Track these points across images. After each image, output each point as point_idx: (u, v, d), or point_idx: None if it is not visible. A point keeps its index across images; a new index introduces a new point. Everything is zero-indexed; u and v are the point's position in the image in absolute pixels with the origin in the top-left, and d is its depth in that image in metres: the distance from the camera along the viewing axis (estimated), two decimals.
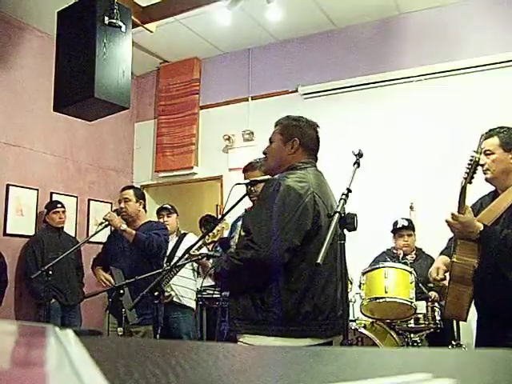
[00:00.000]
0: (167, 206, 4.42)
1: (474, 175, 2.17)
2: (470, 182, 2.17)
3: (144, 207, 3.75)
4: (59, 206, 4.82)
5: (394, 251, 4.03)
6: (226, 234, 3.61)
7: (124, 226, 3.45)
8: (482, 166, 2.26)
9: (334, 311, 1.99)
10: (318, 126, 2.25)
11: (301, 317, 1.90)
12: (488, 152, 2.31)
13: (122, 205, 3.61)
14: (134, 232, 3.44)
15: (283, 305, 1.90)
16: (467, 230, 2.17)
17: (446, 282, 2.36)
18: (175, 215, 4.42)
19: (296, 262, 1.93)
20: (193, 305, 4.24)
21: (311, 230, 1.95)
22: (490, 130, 2.36)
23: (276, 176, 2.08)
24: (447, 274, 2.33)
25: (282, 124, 2.23)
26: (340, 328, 2.01)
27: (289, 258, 1.91)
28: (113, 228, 3.61)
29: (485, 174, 2.32)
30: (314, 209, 1.97)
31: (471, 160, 2.16)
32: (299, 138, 2.16)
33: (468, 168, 2.16)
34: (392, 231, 4.10)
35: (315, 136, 2.22)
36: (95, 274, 3.72)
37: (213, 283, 4.69)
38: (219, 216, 2.54)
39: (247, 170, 2.98)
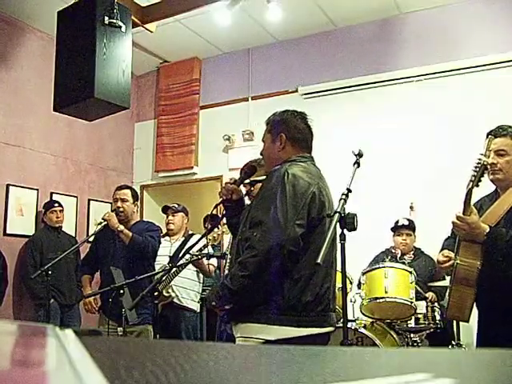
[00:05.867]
0: (175, 204, 4.36)
1: (482, 178, 2.15)
2: (477, 185, 2.15)
3: (137, 208, 3.76)
4: (56, 205, 4.82)
5: (393, 250, 4.03)
6: (226, 238, 3.59)
7: (121, 227, 3.43)
8: (492, 164, 2.22)
9: (329, 304, 2.01)
10: (306, 115, 2.23)
11: (301, 306, 1.91)
12: (502, 152, 2.27)
13: (119, 204, 3.59)
14: (130, 234, 3.42)
15: (286, 293, 1.91)
16: (474, 231, 2.15)
17: (447, 277, 2.34)
18: (181, 214, 4.36)
19: (296, 250, 1.92)
20: (195, 306, 4.19)
21: (316, 219, 1.96)
22: (499, 128, 2.32)
23: (277, 167, 2.08)
24: (452, 255, 2.31)
25: (270, 122, 2.24)
26: (333, 320, 2.03)
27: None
28: (100, 228, 3.51)
29: (494, 174, 2.28)
30: (320, 199, 1.99)
31: (479, 163, 2.13)
32: (285, 132, 2.16)
33: (475, 171, 2.13)
34: (392, 229, 4.11)
35: (303, 126, 2.20)
36: (82, 285, 3.72)
37: (213, 283, 4.68)
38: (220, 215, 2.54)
39: (251, 173, 2.87)
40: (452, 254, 2.33)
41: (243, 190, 2.52)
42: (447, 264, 2.32)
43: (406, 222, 4.05)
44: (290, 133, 2.16)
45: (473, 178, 2.14)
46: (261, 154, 2.30)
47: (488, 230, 2.15)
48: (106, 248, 3.56)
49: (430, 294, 3.61)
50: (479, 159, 2.14)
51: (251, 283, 1.89)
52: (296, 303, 1.90)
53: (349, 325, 3.20)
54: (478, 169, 2.13)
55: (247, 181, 2.46)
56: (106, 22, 3.32)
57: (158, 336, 3.13)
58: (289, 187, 1.93)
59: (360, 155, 2.14)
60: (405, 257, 3.99)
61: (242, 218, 2.17)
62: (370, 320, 3.57)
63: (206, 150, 5.86)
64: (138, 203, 3.88)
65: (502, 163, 2.27)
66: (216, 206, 2.37)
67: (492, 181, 2.32)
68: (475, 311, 2.33)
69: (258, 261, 1.86)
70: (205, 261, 3.82)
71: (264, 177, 2.30)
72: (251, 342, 1.89)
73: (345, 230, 1.89)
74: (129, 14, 3.56)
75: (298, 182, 1.96)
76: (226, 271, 3.29)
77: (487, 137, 2.26)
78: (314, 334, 1.91)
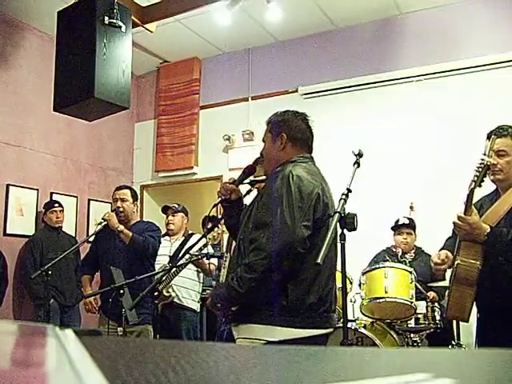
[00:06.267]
0: (175, 205, 4.37)
1: (484, 178, 2.14)
2: (480, 186, 2.15)
3: (137, 208, 3.76)
4: (56, 205, 4.82)
5: (393, 249, 4.04)
6: (226, 237, 3.58)
7: (121, 227, 3.43)
8: (492, 165, 2.22)
9: (332, 305, 2.01)
10: (307, 116, 2.24)
11: (305, 307, 1.91)
12: (502, 153, 2.27)
13: (119, 204, 3.59)
14: (130, 233, 3.42)
15: (290, 294, 1.90)
16: (475, 231, 2.15)
17: (447, 278, 2.34)
18: (181, 214, 4.37)
19: (304, 251, 1.92)
20: (195, 306, 4.20)
21: (321, 220, 1.96)
22: (499, 129, 2.31)
23: (280, 168, 2.07)
24: (450, 255, 2.31)
25: (271, 122, 2.24)
26: (334, 321, 2.03)
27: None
28: (100, 228, 3.51)
29: (495, 174, 2.28)
30: (323, 200, 1.99)
31: (481, 163, 2.12)
32: (286, 132, 2.16)
33: (478, 171, 2.12)
34: (392, 228, 4.11)
35: (304, 126, 2.20)
36: (83, 285, 3.71)
37: (212, 283, 4.68)
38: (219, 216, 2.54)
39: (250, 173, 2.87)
40: (450, 255, 2.33)
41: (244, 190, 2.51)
42: (442, 267, 2.32)
43: (407, 221, 4.06)
44: (291, 133, 2.16)
45: (475, 178, 2.13)
46: (261, 154, 2.30)
47: (489, 229, 2.15)
48: (106, 248, 3.55)
49: (431, 293, 3.62)
50: (482, 159, 2.14)
51: (259, 285, 1.88)
52: (300, 304, 1.90)
53: (349, 325, 3.20)
54: (480, 169, 2.13)
55: (247, 180, 2.45)
56: (106, 21, 3.32)
57: (157, 336, 3.13)
58: (294, 188, 1.93)
59: (360, 155, 2.14)
60: (406, 256, 3.99)
61: (242, 217, 2.16)
62: (370, 320, 3.57)
63: (206, 149, 5.86)
64: (138, 203, 3.88)
65: (502, 164, 2.27)
66: (215, 206, 2.35)
67: (493, 181, 2.32)
68: (475, 311, 2.34)
69: (266, 263, 1.86)
70: (205, 260, 3.82)
71: (263, 177, 2.29)
72: (254, 343, 1.88)
73: (345, 230, 1.89)
74: (129, 14, 3.56)
75: (303, 183, 1.95)
76: (223, 270, 3.28)
77: (488, 137, 2.26)
78: (316, 335, 1.91)
